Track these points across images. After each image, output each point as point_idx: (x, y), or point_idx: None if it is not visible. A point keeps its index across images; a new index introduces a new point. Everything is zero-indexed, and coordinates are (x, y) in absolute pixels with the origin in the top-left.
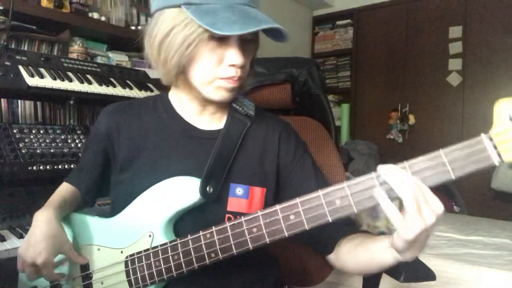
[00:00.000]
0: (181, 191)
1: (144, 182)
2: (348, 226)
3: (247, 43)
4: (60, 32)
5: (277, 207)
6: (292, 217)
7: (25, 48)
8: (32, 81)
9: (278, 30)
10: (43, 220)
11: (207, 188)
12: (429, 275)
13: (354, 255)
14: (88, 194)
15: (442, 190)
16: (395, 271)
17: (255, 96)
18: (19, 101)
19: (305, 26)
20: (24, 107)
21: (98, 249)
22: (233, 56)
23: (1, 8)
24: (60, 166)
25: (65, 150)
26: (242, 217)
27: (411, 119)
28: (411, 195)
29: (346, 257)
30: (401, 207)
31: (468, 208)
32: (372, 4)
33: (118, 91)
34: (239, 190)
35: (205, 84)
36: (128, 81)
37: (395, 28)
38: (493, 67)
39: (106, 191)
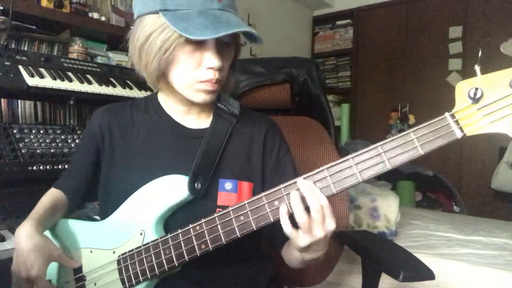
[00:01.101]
0: (170, 188)
1: (135, 181)
2: None
3: (225, 46)
4: (60, 32)
5: (262, 194)
6: (276, 203)
7: (25, 48)
8: (32, 81)
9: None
10: (24, 236)
11: (195, 185)
12: (428, 275)
13: (287, 252)
14: (75, 196)
15: (442, 191)
16: (394, 270)
17: (254, 96)
18: (19, 101)
19: (305, 26)
20: (24, 107)
21: (91, 252)
22: (210, 59)
23: (1, 8)
24: (60, 166)
25: (65, 150)
26: (229, 207)
27: (411, 119)
28: (320, 211)
29: (284, 253)
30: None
31: (468, 208)
32: (372, 4)
33: (118, 91)
34: (228, 184)
35: (185, 87)
36: (128, 81)
37: (395, 28)
38: (493, 67)
39: (94, 194)
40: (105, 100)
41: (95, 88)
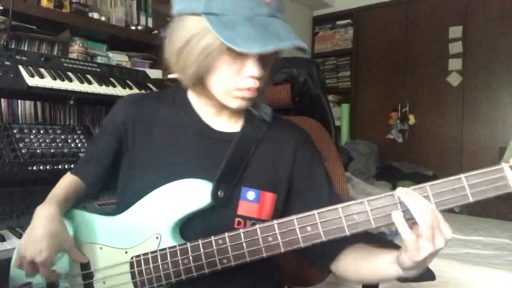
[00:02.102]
0: (192, 194)
1: (154, 179)
2: (345, 242)
3: (267, 54)
4: (60, 32)
5: (293, 217)
6: (309, 228)
7: (25, 48)
8: (32, 81)
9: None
10: (45, 216)
11: (219, 193)
12: (429, 275)
13: (356, 267)
14: (94, 187)
15: None
16: None
17: None
18: (19, 101)
19: (305, 26)
20: (24, 107)
21: (100, 248)
22: (252, 68)
23: (1, 8)
24: (60, 166)
25: (65, 150)
26: (257, 225)
27: (411, 119)
28: (428, 222)
29: (347, 268)
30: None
31: (468, 208)
32: (372, 4)
33: (118, 91)
34: (251, 194)
35: (223, 93)
36: (128, 81)
37: (395, 28)
38: (493, 67)
39: (112, 185)
40: (105, 100)
41: (95, 88)
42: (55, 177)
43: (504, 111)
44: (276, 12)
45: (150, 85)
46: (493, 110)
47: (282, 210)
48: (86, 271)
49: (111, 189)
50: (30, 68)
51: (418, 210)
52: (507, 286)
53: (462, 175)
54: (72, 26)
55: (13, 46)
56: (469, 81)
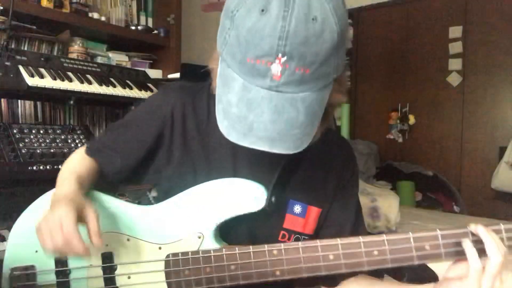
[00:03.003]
0: (247, 194)
1: (201, 181)
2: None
3: None
4: (60, 32)
5: (360, 239)
6: (375, 252)
7: (25, 48)
8: (32, 81)
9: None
10: (66, 196)
11: (272, 199)
12: (432, 277)
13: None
14: (115, 178)
15: (442, 191)
16: (398, 272)
17: None
18: (19, 101)
19: None
20: (24, 107)
21: (128, 240)
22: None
23: (1, 8)
24: (60, 166)
25: (65, 150)
26: (318, 241)
27: (411, 119)
28: (500, 259)
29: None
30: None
31: (468, 208)
32: (372, 4)
33: (118, 91)
34: (297, 207)
35: None
36: (128, 81)
37: (395, 28)
38: (493, 67)
39: (136, 179)
40: (105, 100)
41: (95, 88)
42: (55, 177)
43: (504, 111)
44: (284, 87)
45: (150, 85)
46: (493, 110)
47: (322, 224)
48: (108, 264)
49: (133, 183)
50: (30, 68)
51: (493, 244)
52: (507, 286)
53: None
54: (72, 26)
55: (13, 46)
56: (469, 81)
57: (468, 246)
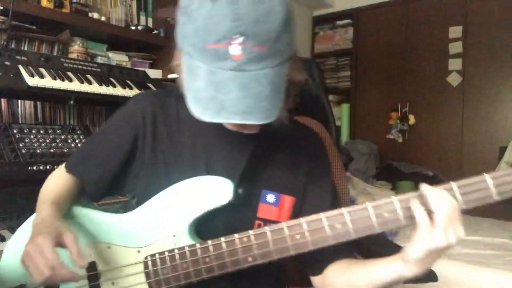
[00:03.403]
0: (213, 190)
1: (178, 180)
2: (344, 251)
3: None
4: (60, 32)
5: (322, 215)
6: (338, 226)
7: (25, 48)
8: (32, 81)
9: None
10: (43, 220)
11: (239, 191)
12: (431, 277)
13: (348, 277)
14: (96, 189)
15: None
16: None
17: None
18: (19, 101)
19: (305, 26)
20: (24, 107)
21: (108, 247)
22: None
23: (1, 8)
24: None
25: (65, 150)
26: (284, 223)
27: (411, 119)
28: (445, 211)
29: (338, 279)
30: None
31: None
32: (372, 4)
33: (118, 91)
34: (270, 197)
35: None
36: (128, 81)
37: (395, 28)
38: (493, 67)
39: (117, 189)
40: (105, 100)
41: (95, 88)
42: None
43: (504, 111)
44: (246, 65)
45: (150, 85)
46: (493, 110)
47: (299, 213)
48: (93, 273)
49: (116, 193)
50: (30, 68)
51: (436, 198)
52: (507, 286)
53: (485, 175)
54: (72, 26)
55: (13, 46)
56: (469, 81)
57: (414, 204)
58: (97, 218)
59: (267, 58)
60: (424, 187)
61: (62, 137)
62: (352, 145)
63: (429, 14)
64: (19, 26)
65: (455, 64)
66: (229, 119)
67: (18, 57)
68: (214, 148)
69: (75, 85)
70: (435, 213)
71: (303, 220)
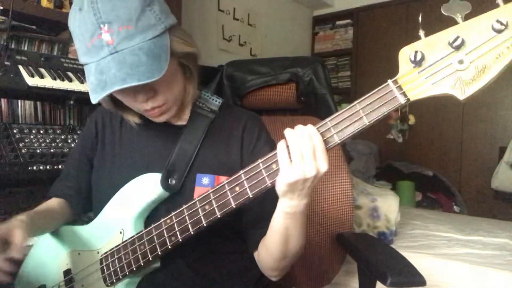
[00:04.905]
0: (144, 187)
1: (122, 180)
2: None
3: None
4: (60, 32)
5: (224, 181)
6: (237, 188)
7: (25, 48)
8: (32, 81)
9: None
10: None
11: (169, 181)
12: (418, 281)
13: (265, 242)
14: (79, 198)
15: (442, 191)
16: (382, 275)
17: (260, 96)
18: (19, 101)
19: (305, 26)
20: (24, 107)
21: (79, 254)
22: (133, 98)
23: (1, 8)
24: (60, 166)
25: (65, 150)
26: (196, 197)
27: (411, 119)
28: (297, 147)
29: (261, 249)
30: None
31: (468, 208)
32: (372, 4)
33: None
34: (205, 179)
35: (141, 113)
36: None
37: (395, 28)
38: None
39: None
40: None
41: None
42: (55, 177)
43: (504, 112)
44: (119, 46)
45: None
46: (493, 110)
47: None
48: (68, 277)
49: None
50: (30, 68)
51: (292, 135)
52: (507, 286)
53: (355, 102)
54: None
55: (13, 46)
56: None
57: (278, 144)
58: (71, 231)
59: (137, 35)
60: (286, 130)
61: (62, 137)
62: (352, 145)
63: (429, 14)
64: (19, 26)
65: None
66: (112, 88)
67: (18, 57)
68: (150, 146)
69: (75, 85)
70: (290, 148)
71: (210, 190)
